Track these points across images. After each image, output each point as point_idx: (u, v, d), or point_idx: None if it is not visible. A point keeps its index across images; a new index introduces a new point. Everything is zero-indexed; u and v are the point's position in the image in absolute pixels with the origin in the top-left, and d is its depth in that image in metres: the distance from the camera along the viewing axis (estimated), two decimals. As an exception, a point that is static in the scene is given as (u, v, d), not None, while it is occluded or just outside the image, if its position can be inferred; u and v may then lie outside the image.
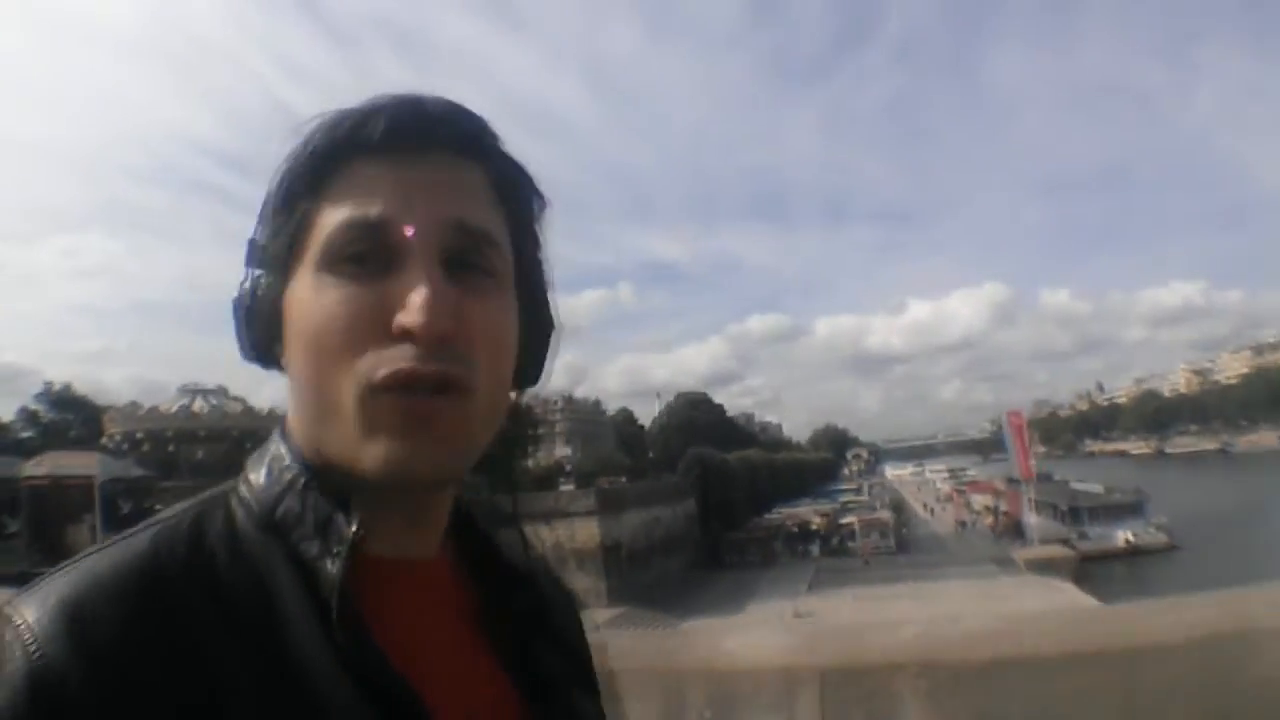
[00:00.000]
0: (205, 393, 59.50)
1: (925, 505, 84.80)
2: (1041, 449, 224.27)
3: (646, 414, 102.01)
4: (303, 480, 0.78)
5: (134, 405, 59.59)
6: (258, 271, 0.81)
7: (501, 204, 0.83)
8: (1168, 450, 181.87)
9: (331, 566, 0.72)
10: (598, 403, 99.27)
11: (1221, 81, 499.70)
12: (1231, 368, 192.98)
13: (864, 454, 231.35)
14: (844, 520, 62.26)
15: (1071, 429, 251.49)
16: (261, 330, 0.81)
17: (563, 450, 74.86)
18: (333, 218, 0.76)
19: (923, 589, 36.59)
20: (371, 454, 0.73)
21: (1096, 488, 63.83)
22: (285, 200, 0.79)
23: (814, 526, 61.66)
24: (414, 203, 0.76)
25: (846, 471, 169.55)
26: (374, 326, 0.73)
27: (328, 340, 0.73)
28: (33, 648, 0.63)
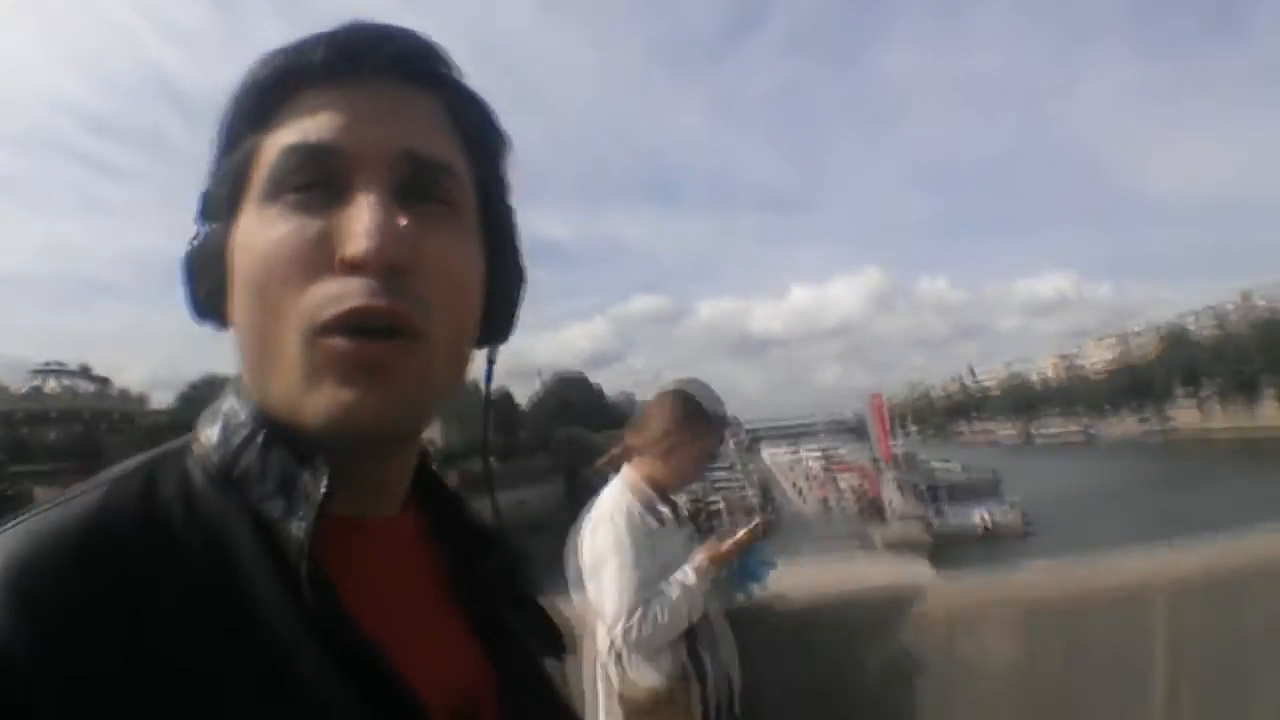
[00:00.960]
0: (57, 373, 57.60)
1: (795, 486, 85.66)
2: (914, 430, 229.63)
3: (528, 394, 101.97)
4: (261, 436, 0.72)
5: None
6: (205, 223, 0.75)
7: (461, 137, 0.77)
8: (1035, 435, 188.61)
9: (297, 529, 0.67)
10: (474, 383, 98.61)
11: (1103, 83, 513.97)
12: (1097, 356, 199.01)
13: (743, 435, 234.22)
14: (712, 500, 62.48)
15: (943, 412, 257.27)
16: (208, 283, 0.74)
17: (431, 431, 74.36)
18: (274, 147, 0.70)
19: (780, 568, 37.22)
20: (315, 403, 0.68)
21: (956, 468, 65.62)
22: (229, 138, 0.74)
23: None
24: (361, 127, 0.71)
25: (724, 451, 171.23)
26: (319, 261, 0.67)
27: (270, 278, 0.68)
28: None
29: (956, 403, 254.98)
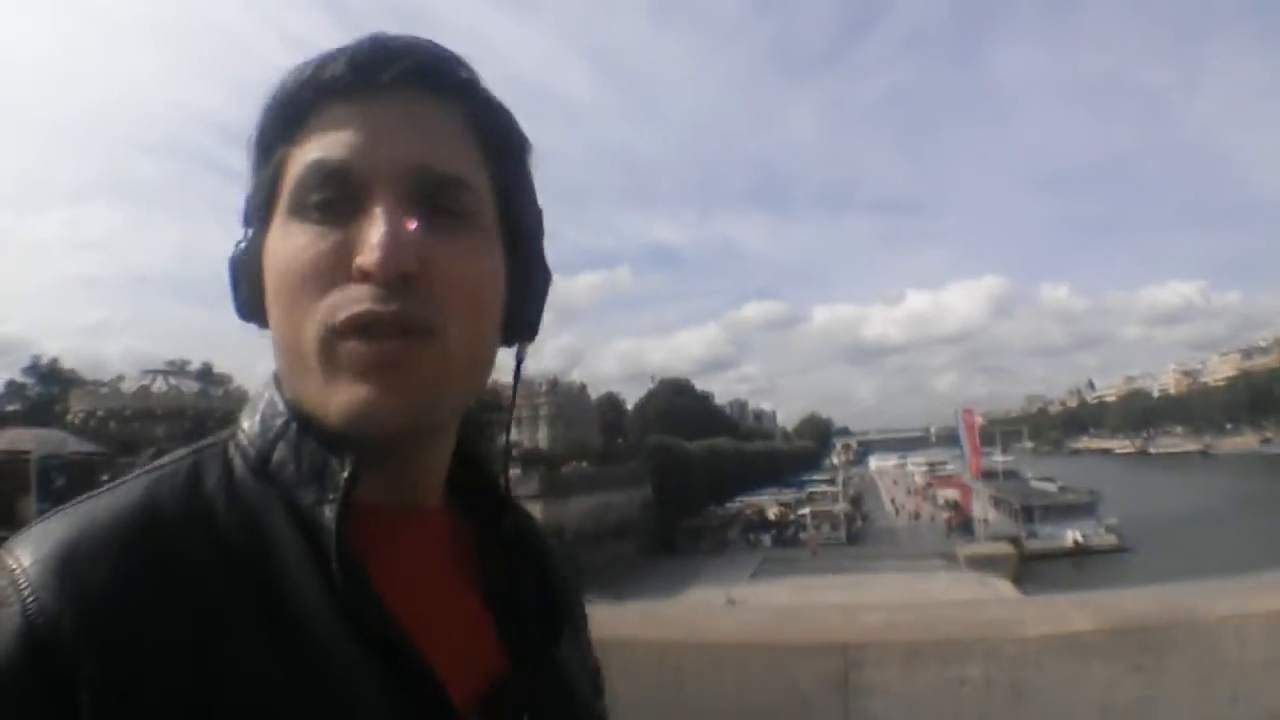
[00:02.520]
0: (165, 373, 61.35)
1: (893, 498, 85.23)
2: (1029, 444, 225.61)
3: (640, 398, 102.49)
4: (294, 427, 0.77)
5: (98, 383, 61.30)
6: (246, 229, 0.80)
7: (481, 144, 0.81)
8: (1151, 450, 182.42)
9: (328, 513, 0.71)
10: (583, 387, 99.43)
11: (1225, 81, 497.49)
12: (1219, 370, 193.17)
13: (853, 444, 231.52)
14: (801, 511, 62.88)
15: (1060, 425, 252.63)
16: (249, 286, 0.79)
17: (539, 434, 75.73)
18: (299, 162, 0.74)
19: (858, 580, 37.55)
20: (335, 402, 0.72)
21: (1051, 486, 64.50)
22: (260, 149, 0.78)
23: (770, 516, 62.63)
24: (378, 143, 0.74)
25: (836, 461, 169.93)
26: (335, 270, 0.72)
27: (292, 285, 0.73)
28: (27, 591, 0.62)
29: (1073, 415, 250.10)
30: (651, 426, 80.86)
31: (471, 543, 0.88)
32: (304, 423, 0.76)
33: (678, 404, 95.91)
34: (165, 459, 0.77)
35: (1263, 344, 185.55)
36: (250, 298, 0.80)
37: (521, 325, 0.86)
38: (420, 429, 0.77)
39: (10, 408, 61.72)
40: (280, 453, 0.76)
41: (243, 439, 0.79)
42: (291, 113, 0.77)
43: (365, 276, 0.70)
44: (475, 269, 0.77)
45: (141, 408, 55.79)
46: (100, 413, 54.29)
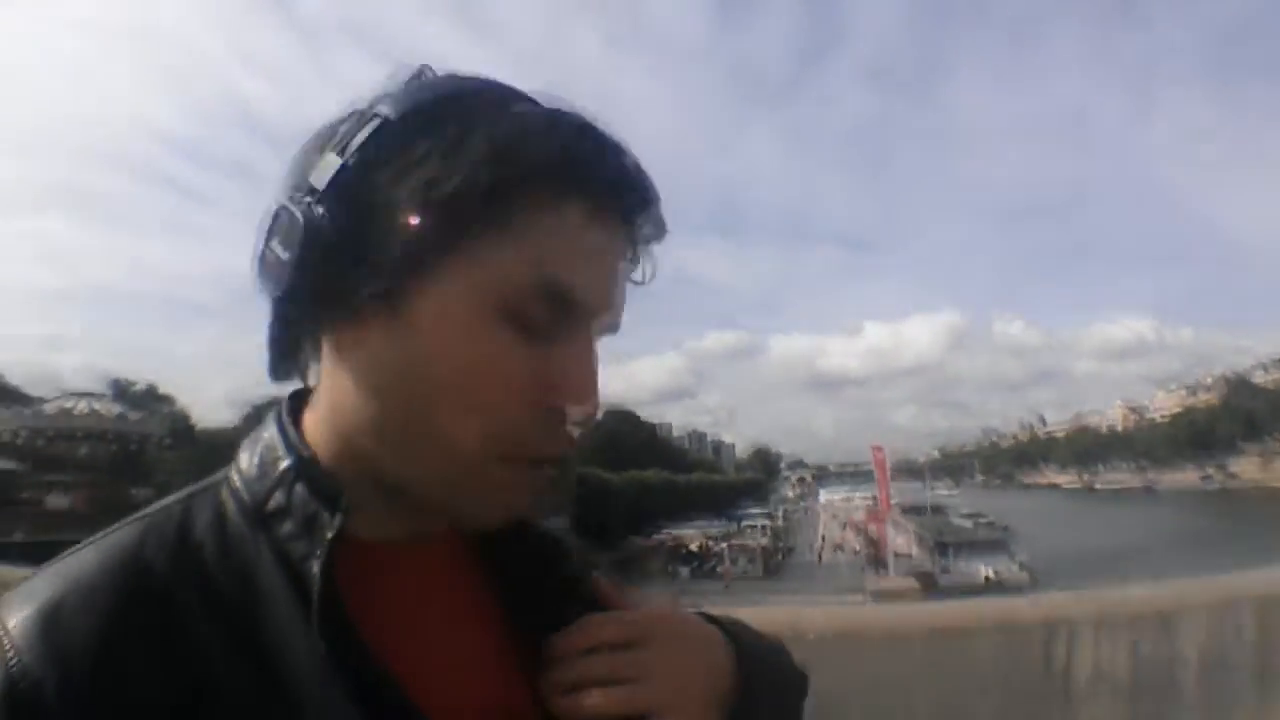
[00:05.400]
0: (86, 395, 63.47)
1: (824, 532, 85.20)
2: (981, 478, 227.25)
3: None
4: (292, 473, 0.74)
5: (39, 400, 62.57)
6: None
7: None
8: (1096, 485, 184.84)
9: (315, 569, 0.69)
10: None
11: (1179, 120, 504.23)
12: (1165, 406, 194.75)
13: (807, 476, 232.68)
14: (722, 544, 62.89)
15: (1010, 460, 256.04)
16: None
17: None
18: (524, 267, 0.70)
19: (759, 613, 38.04)
20: (482, 508, 0.74)
21: (968, 523, 65.23)
22: (463, 206, 0.67)
23: (693, 549, 62.78)
24: (602, 284, 0.74)
25: (790, 494, 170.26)
26: (526, 392, 0.71)
27: (477, 392, 0.70)
28: (10, 653, 0.61)
29: (1024, 450, 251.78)
30: (593, 458, 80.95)
31: (488, 568, 0.86)
32: (304, 467, 0.74)
33: (621, 434, 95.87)
34: (158, 504, 0.76)
35: (1208, 380, 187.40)
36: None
37: None
38: None
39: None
40: (276, 500, 0.74)
41: (237, 480, 0.77)
42: (525, 187, 0.69)
43: (560, 415, 0.72)
44: None
45: (64, 428, 57.98)
46: (25, 431, 56.32)
